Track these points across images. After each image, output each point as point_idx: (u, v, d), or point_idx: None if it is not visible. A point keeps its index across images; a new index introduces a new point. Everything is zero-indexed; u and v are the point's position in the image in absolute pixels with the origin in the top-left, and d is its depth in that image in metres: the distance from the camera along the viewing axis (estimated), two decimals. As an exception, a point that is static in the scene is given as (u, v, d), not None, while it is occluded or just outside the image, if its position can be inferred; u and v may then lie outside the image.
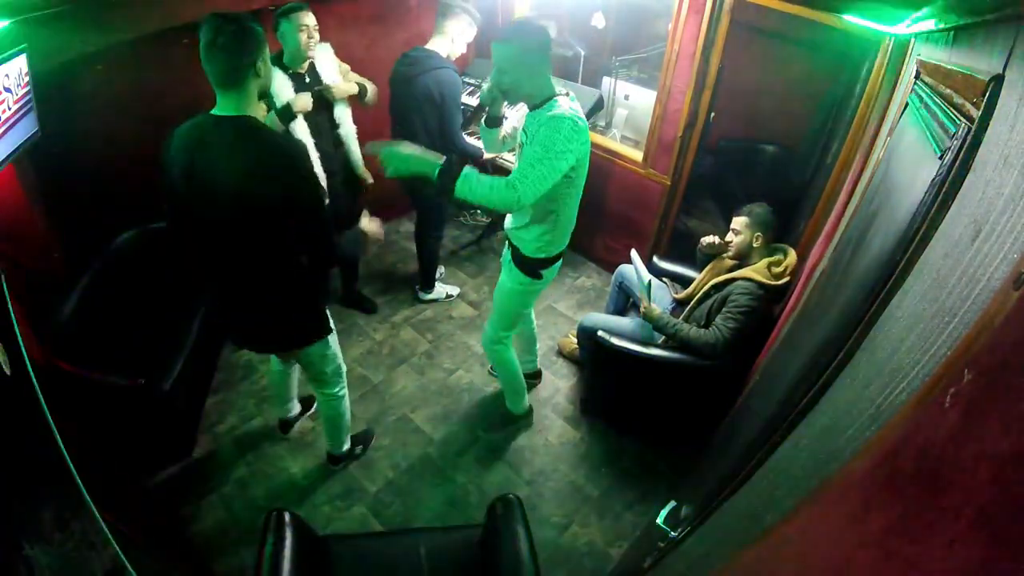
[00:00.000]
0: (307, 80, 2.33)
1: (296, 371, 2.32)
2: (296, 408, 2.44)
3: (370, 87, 2.55)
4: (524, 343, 2.63)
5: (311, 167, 1.50)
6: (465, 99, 2.99)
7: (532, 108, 1.75)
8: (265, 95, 1.48)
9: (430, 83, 2.43)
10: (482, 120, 1.99)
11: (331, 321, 1.87)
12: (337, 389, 2.06)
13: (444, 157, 1.62)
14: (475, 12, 2.53)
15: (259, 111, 1.46)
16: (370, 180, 2.67)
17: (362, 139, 2.59)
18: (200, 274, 1.72)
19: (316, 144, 2.37)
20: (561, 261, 2.09)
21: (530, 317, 2.55)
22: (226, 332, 1.95)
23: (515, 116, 2.01)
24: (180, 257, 1.76)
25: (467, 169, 1.61)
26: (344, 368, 2.06)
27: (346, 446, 2.30)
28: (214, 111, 1.40)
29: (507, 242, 2.08)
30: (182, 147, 1.42)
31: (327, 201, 1.72)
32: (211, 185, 1.41)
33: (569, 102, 1.72)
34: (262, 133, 1.42)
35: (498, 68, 1.67)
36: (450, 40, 2.50)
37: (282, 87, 2.24)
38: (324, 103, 2.38)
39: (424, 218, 3.00)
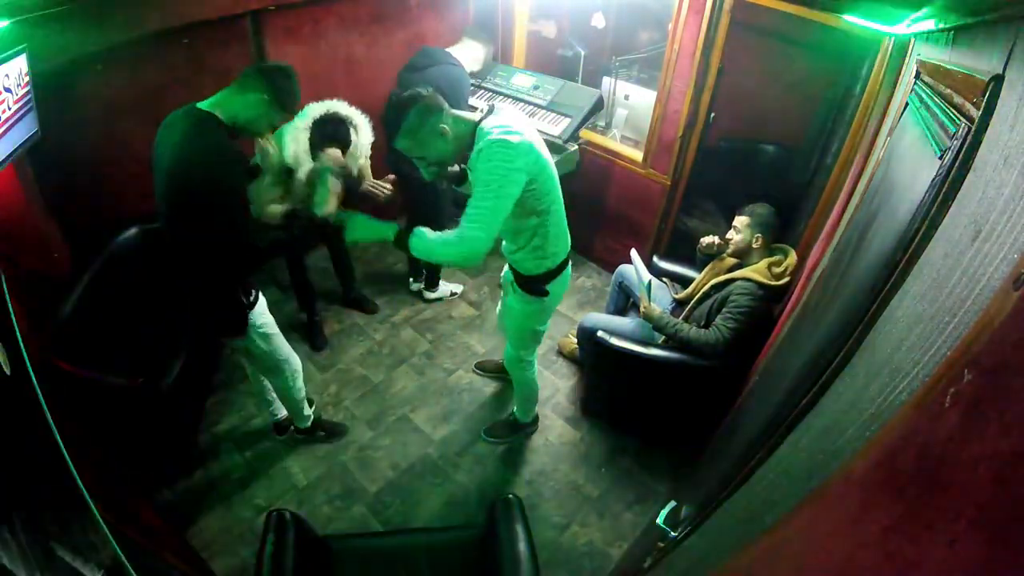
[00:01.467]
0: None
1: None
2: (282, 410, 2.42)
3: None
4: None
5: (233, 171, 1.57)
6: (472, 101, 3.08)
7: (470, 158, 1.63)
8: (251, 130, 1.59)
9: (439, 75, 2.52)
10: (450, 186, 1.97)
11: (256, 323, 1.89)
12: (281, 379, 2.13)
13: (397, 225, 1.63)
14: (493, 50, 2.80)
15: (230, 116, 1.54)
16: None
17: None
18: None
19: None
20: (569, 270, 1.97)
21: None
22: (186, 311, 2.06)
23: None
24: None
25: (417, 231, 1.58)
26: (290, 363, 2.09)
27: (304, 424, 2.37)
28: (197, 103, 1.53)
29: (506, 264, 2.02)
30: (158, 134, 1.56)
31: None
32: (155, 170, 1.53)
33: (494, 121, 1.59)
34: (206, 128, 1.50)
35: (415, 158, 1.67)
36: (467, 51, 2.71)
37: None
38: None
39: (426, 215, 3.01)
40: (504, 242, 1.90)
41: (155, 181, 1.56)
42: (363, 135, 2.25)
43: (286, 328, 2.16)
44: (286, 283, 3.10)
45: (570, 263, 1.97)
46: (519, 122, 1.62)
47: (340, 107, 2.20)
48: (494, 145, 1.53)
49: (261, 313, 1.94)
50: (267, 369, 2.11)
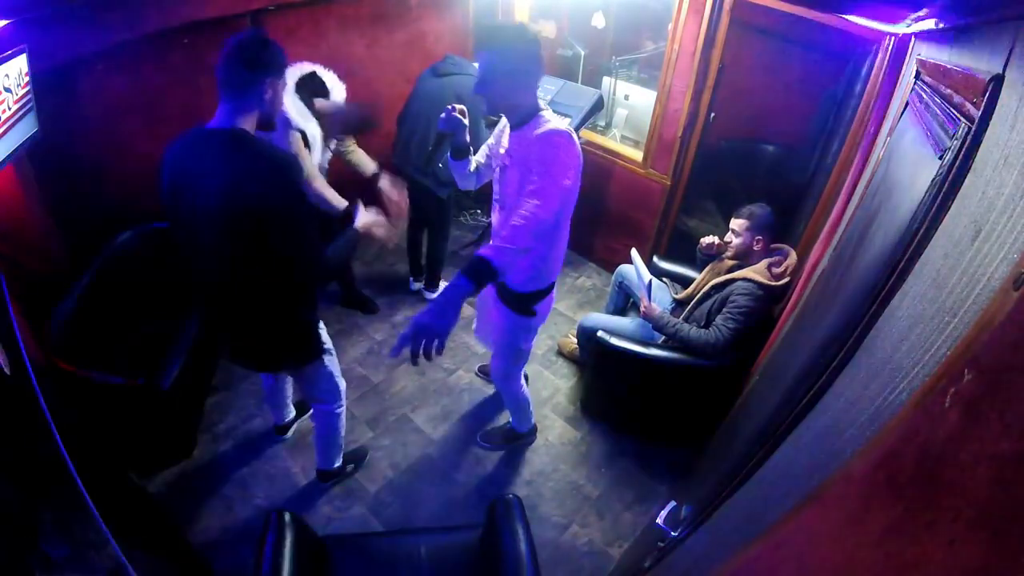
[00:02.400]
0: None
1: (289, 380, 2.30)
2: (291, 413, 2.42)
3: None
4: None
5: (301, 180, 1.45)
6: None
7: (515, 126, 1.59)
8: (268, 124, 1.45)
9: (463, 84, 2.53)
10: (447, 153, 1.80)
11: (324, 342, 1.80)
12: (333, 407, 2.01)
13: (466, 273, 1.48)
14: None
15: (253, 128, 1.42)
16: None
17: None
18: (192, 289, 1.68)
19: None
20: (555, 292, 1.91)
21: None
22: (218, 347, 1.89)
23: (496, 132, 1.81)
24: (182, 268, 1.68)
25: (488, 253, 1.45)
26: (342, 386, 1.99)
27: (337, 463, 2.22)
28: (210, 124, 1.38)
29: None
30: (173, 159, 1.41)
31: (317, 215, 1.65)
32: (198, 200, 1.38)
33: (555, 116, 1.57)
34: (254, 143, 1.37)
35: (481, 77, 1.49)
36: None
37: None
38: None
39: (430, 222, 3.03)
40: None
41: (201, 214, 1.39)
42: (336, 93, 2.32)
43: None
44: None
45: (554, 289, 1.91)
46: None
47: (307, 66, 2.25)
48: (563, 133, 1.48)
49: (322, 329, 1.81)
50: (325, 392, 1.93)
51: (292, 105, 2.11)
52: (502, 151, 1.67)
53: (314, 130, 2.19)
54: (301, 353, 1.75)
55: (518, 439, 2.48)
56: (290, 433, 2.46)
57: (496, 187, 1.74)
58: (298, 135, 2.13)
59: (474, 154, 1.86)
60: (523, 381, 2.26)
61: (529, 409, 2.38)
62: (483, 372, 2.81)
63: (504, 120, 1.69)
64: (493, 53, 1.47)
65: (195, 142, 1.39)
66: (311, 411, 2.46)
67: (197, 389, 2.53)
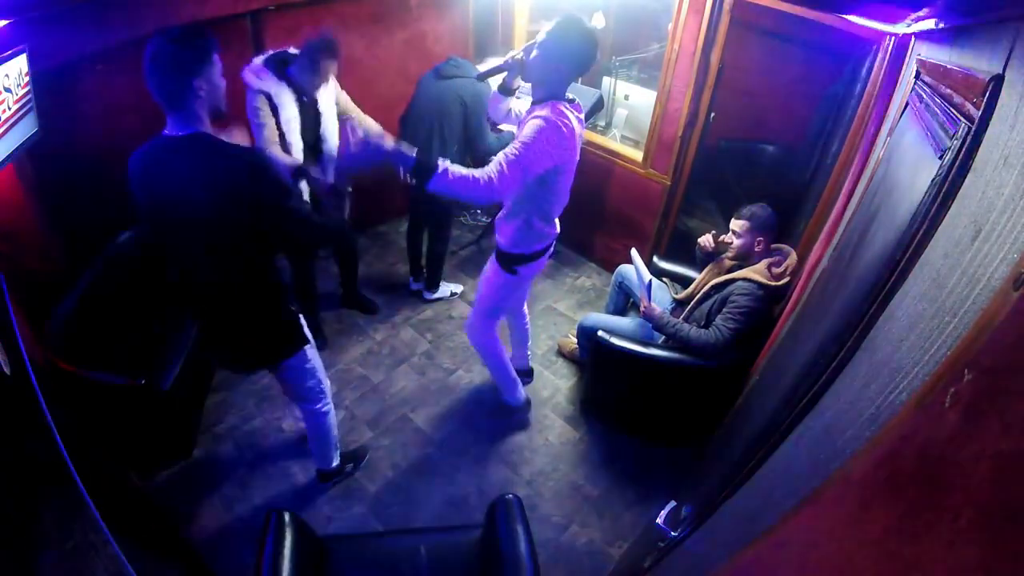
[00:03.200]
0: (306, 99, 2.35)
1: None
2: (290, 425, 2.41)
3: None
4: (515, 339, 2.65)
5: (272, 166, 1.46)
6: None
7: (534, 102, 1.75)
8: (219, 114, 1.44)
9: (465, 87, 2.56)
10: (452, 155, 1.99)
11: (306, 332, 1.83)
12: (319, 405, 2.00)
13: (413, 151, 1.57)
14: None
15: (208, 128, 1.42)
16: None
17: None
18: (176, 295, 1.72)
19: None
20: (544, 260, 2.09)
21: (522, 313, 2.54)
22: (211, 353, 1.91)
23: (518, 105, 1.99)
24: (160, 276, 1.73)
25: (444, 163, 1.57)
26: (327, 384, 2.00)
27: (335, 462, 2.21)
28: (165, 131, 1.38)
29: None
30: (141, 171, 1.42)
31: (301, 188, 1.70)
32: (176, 207, 1.40)
33: (564, 108, 1.70)
34: (219, 147, 1.38)
35: (539, 43, 1.67)
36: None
37: (283, 105, 2.26)
38: (316, 120, 2.41)
39: (431, 221, 3.02)
40: (499, 212, 1.99)
41: (181, 220, 1.42)
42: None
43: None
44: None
45: (551, 249, 2.10)
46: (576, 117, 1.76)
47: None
48: (551, 122, 1.64)
49: (304, 324, 1.83)
50: (307, 390, 1.93)
51: (254, 70, 2.21)
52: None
53: (285, 95, 2.25)
54: (289, 345, 1.78)
55: (512, 414, 2.58)
56: (293, 430, 2.45)
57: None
58: (262, 96, 2.22)
59: (472, 158, 1.99)
60: (496, 336, 2.36)
61: (510, 372, 2.48)
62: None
63: (520, 106, 1.89)
64: (569, 31, 1.63)
65: (161, 152, 1.39)
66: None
67: (197, 389, 2.53)
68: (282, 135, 2.29)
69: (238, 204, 1.38)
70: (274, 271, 1.62)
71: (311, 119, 2.38)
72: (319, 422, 2.05)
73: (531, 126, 1.64)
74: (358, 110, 2.58)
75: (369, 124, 2.57)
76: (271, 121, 2.25)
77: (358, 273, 3.15)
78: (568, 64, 1.67)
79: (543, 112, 1.66)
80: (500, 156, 1.62)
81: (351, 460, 2.33)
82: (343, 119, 2.52)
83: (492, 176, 1.58)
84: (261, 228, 1.44)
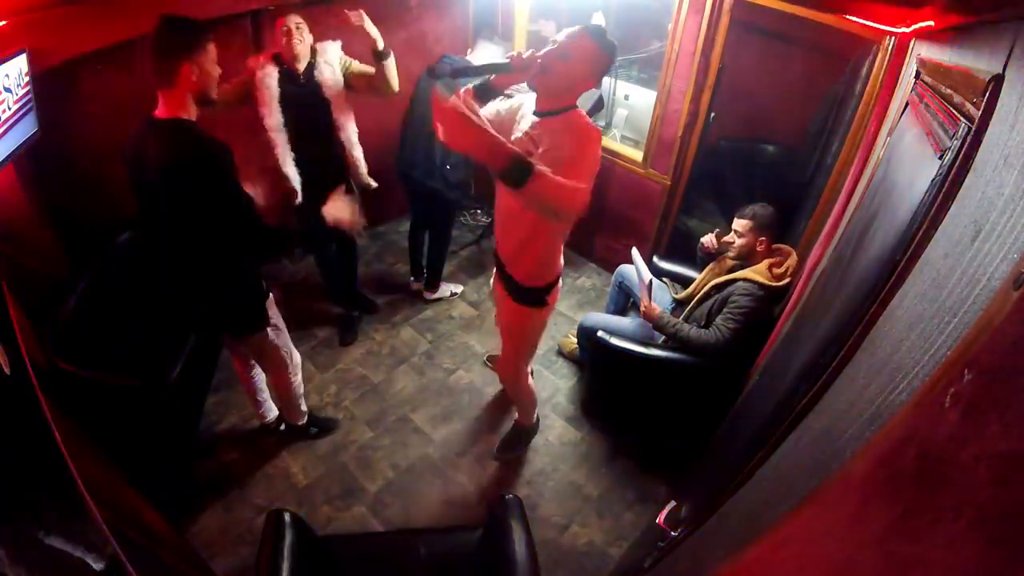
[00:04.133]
0: (301, 80, 2.29)
1: (261, 375, 2.30)
2: (272, 411, 2.42)
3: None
4: None
5: (227, 165, 1.54)
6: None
7: (546, 112, 1.56)
8: (207, 100, 1.56)
9: (462, 84, 2.48)
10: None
11: (272, 318, 1.95)
12: (284, 375, 2.15)
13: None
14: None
15: (192, 112, 1.54)
16: (373, 185, 2.57)
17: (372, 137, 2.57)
18: (159, 262, 1.85)
19: (299, 144, 2.34)
20: (561, 282, 1.91)
21: None
22: (181, 315, 2.07)
23: (503, 106, 1.74)
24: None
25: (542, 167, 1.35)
26: (295, 359, 2.15)
27: (303, 420, 2.39)
28: (156, 112, 1.52)
29: (496, 272, 1.89)
30: (130, 147, 1.58)
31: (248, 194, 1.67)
32: (149, 183, 1.56)
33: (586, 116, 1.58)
34: (186, 136, 1.51)
35: (565, 49, 1.47)
36: (483, 56, 2.73)
37: (264, 79, 2.25)
38: (320, 105, 2.33)
39: (433, 223, 3.02)
40: (507, 243, 1.79)
41: (147, 189, 1.61)
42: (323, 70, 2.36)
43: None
44: (283, 280, 3.11)
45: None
46: None
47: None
48: (598, 134, 1.53)
49: (271, 305, 1.97)
50: (275, 365, 2.11)
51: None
52: (520, 135, 1.62)
53: (269, 69, 2.25)
54: (248, 323, 1.92)
55: (529, 435, 2.48)
56: (278, 430, 2.46)
57: None
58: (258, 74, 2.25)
59: None
60: (531, 377, 2.27)
61: (536, 402, 2.41)
62: (491, 361, 2.82)
63: (522, 106, 1.66)
64: (596, 40, 1.49)
65: (147, 132, 1.54)
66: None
67: (197, 389, 2.53)
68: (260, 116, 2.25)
69: (190, 190, 1.51)
70: (231, 255, 1.73)
71: (310, 103, 2.30)
72: (280, 387, 2.23)
73: (579, 140, 1.48)
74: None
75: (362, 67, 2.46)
76: (260, 99, 2.24)
77: (357, 273, 3.15)
78: (597, 77, 1.55)
79: (581, 121, 1.52)
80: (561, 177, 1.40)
81: (318, 425, 2.47)
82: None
83: (569, 188, 1.38)
84: (211, 214, 1.57)
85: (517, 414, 2.47)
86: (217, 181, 1.52)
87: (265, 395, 2.37)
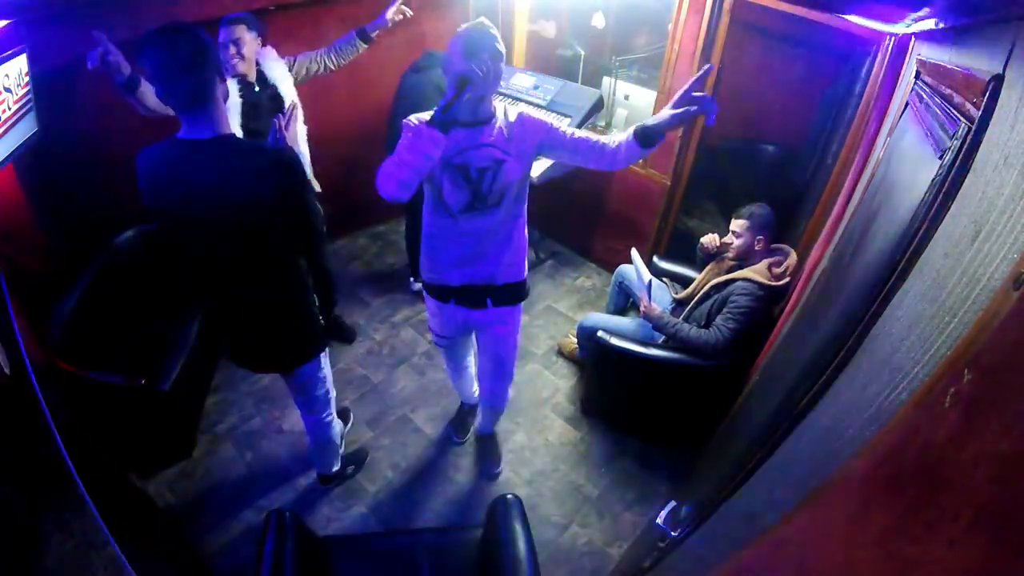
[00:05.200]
0: (256, 88, 2.26)
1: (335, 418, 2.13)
2: (338, 462, 2.26)
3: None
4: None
5: (305, 173, 1.46)
6: None
7: (485, 122, 1.53)
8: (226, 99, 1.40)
9: (443, 77, 2.49)
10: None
11: (325, 340, 1.79)
12: (325, 415, 1.97)
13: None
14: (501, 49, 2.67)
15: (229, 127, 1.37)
16: (317, 188, 2.51)
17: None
18: (196, 294, 1.68)
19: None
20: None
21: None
22: (224, 349, 1.85)
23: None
24: (176, 274, 1.68)
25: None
26: (333, 394, 1.97)
27: (336, 467, 2.21)
28: (181, 134, 1.30)
29: (487, 296, 1.75)
30: (156, 173, 1.33)
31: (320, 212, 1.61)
32: (203, 208, 1.34)
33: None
34: (244, 147, 1.36)
35: (485, 82, 1.42)
36: None
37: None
38: (276, 106, 2.30)
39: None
40: (499, 250, 1.69)
41: (217, 222, 1.37)
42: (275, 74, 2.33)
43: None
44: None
45: None
46: None
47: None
48: (523, 113, 1.58)
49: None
50: (315, 400, 1.89)
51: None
52: (465, 156, 1.55)
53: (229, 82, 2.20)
54: (308, 349, 1.74)
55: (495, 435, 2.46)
56: (293, 431, 2.44)
57: (469, 194, 1.57)
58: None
59: None
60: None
61: None
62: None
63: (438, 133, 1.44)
64: (490, 54, 1.45)
65: (182, 155, 1.31)
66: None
67: (197, 389, 2.53)
68: None
69: (269, 203, 1.34)
70: (299, 271, 1.58)
71: (270, 107, 2.25)
72: (323, 433, 2.02)
73: (532, 122, 1.55)
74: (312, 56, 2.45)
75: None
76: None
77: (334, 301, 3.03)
78: (497, 65, 1.51)
79: (513, 112, 1.58)
80: (588, 135, 1.53)
81: (352, 463, 2.32)
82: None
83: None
84: (288, 225, 1.42)
85: (493, 425, 2.42)
86: (302, 181, 1.41)
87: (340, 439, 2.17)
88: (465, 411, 2.53)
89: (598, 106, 3.10)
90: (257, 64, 2.28)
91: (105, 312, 2.22)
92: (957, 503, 0.36)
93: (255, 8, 2.54)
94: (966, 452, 0.37)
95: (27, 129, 1.86)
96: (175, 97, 1.24)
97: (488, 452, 2.41)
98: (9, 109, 1.73)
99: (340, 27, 2.96)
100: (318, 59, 2.46)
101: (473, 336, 2.11)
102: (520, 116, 1.57)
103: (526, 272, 1.80)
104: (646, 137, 1.44)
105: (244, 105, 2.21)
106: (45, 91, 1.89)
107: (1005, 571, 0.31)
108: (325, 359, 1.84)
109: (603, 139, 1.52)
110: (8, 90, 1.72)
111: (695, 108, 1.39)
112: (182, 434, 2.36)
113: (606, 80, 3.38)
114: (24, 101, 1.81)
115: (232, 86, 2.18)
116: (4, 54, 1.66)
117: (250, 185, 1.32)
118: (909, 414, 0.49)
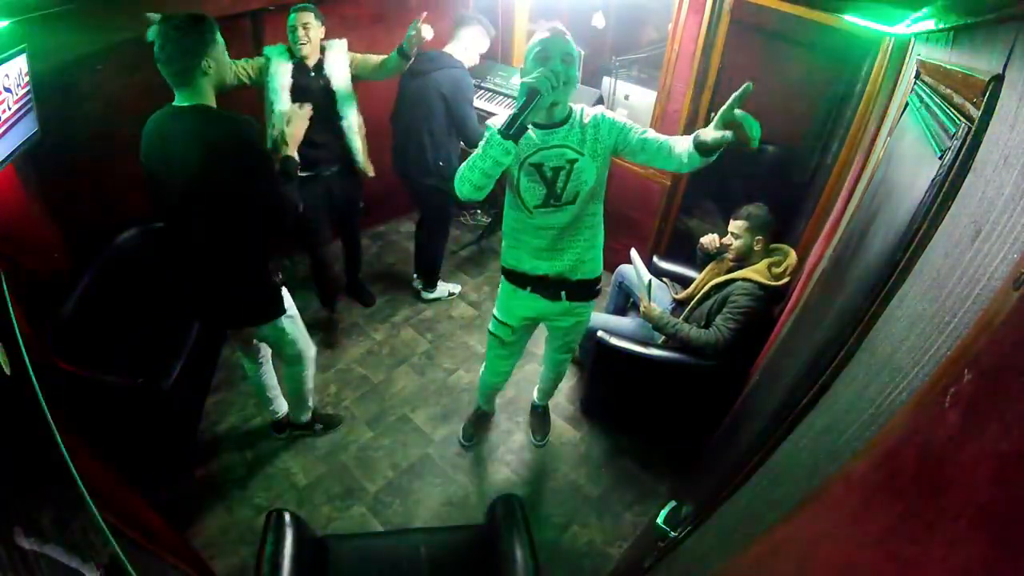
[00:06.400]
0: (311, 73, 2.38)
1: (271, 371, 2.31)
2: (283, 407, 2.41)
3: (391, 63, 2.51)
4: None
5: (257, 137, 1.59)
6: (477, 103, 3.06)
7: (563, 121, 1.59)
8: (222, 88, 1.60)
9: (443, 80, 2.50)
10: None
11: (288, 306, 1.94)
12: (299, 368, 2.17)
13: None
14: (490, 26, 2.65)
15: (212, 101, 1.57)
16: (371, 173, 2.67)
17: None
18: (174, 256, 1.83)
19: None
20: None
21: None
22: (193, 309, 2.04)
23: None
24: (170, 246, 1.86)
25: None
26: (309, 351, 2.15)
27: (305, 417, 2.40)
28: (174, 102, 1.54)
29: (562, 289, 1.80)
30: (149, 137, 1.56)
31: (278, 167, 1.73)
32: (176, 169, 1.54)
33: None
34: (214, 116, 1.55)
35: (566, 58, 1.50)
36: (463, 47, 2.59)
37: (277, 72, 2.31)
38: (326, 94, 2.40)
39: (432, 217, 3.02)
40: (575, 246, 1.77)
41: (179, 182, 1.57)
42: (334, 67, 2.43)
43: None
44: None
45: None
46: None
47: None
48: (596, 108, 1.64)
49: (286, 294, 1.96)
50: (290, 357, 2.11)
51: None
52: (539, 154, 1.59)
53: (281, 62, 2.33)
54: (266, 312, 1.90)
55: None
56: (285, 433, 2.45)
57: (544, 191, 1.63)
58: (266, 60, 2.34)
59: (470, 147, 1.88)
60: None
61: None
62: (471, 435, 2.50)
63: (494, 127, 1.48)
64: (562, 58, 1.51)
65: (167, 120, 1.54)
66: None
67: (197, 389, 2.53)
68: (271, 103, 2.31)
69: (226, 166, 1.53)
70: (257, 239, 1.74)
71: (319, 94, 2.36)
72: (295, 385, 2.24)
73: (611, 121, 1.61)
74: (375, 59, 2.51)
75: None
76: (269, 85, 2.30)
77: (360, 262, 3.16)
78: (575, 69, 1.58)
79: (591, 110, 1.63)
80: (652, 133, 1.60)
81: (323, 423, 2.48)
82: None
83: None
84: (245, 191, 1.58)
85: (549, 398, 2.51)
86: (256, 154, 1.58)
87: (276, 391, 2.37)
88: (480, 417, 2.53)
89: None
90: (322, 51, 2.39)
91: (105, 312, 2.22)
92: (957, 503, 0.36)
93: (255, 8, 2.54)
94: (966, 452, 0.37)
95: (27, 129, 1.86)
96: (167, 75, 1.50)
97: (545, 423, 2.54)
98: (9, 109, 1.73)
99: (340, 27, 2.95)
100: (367, 67, 2.52)
101: (526, 340, 2.14)
102: (595, 118, 1.61)
103: (601, 269, 1.88)
104: (702, 148, 1.46)
105: (294, 87, 2.33)
106: (45, 91, 1.89)
107: (1005, 571, 0.31)
108: (290, 323, 1.99)
109: (672, 140, 1.54)
110: (8, 90, 1.72)
111: (731, 135, 1.39)
112: (182, 434, 2.36)
113: (606, 80, 3.38)
114: (24, 101, 1.81)
115: (286, 68, 2.32)
116: (4, 54, 1.66)
117: (207, 145, 1.52)
118: (909, 414, 0.49)
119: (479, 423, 2.52)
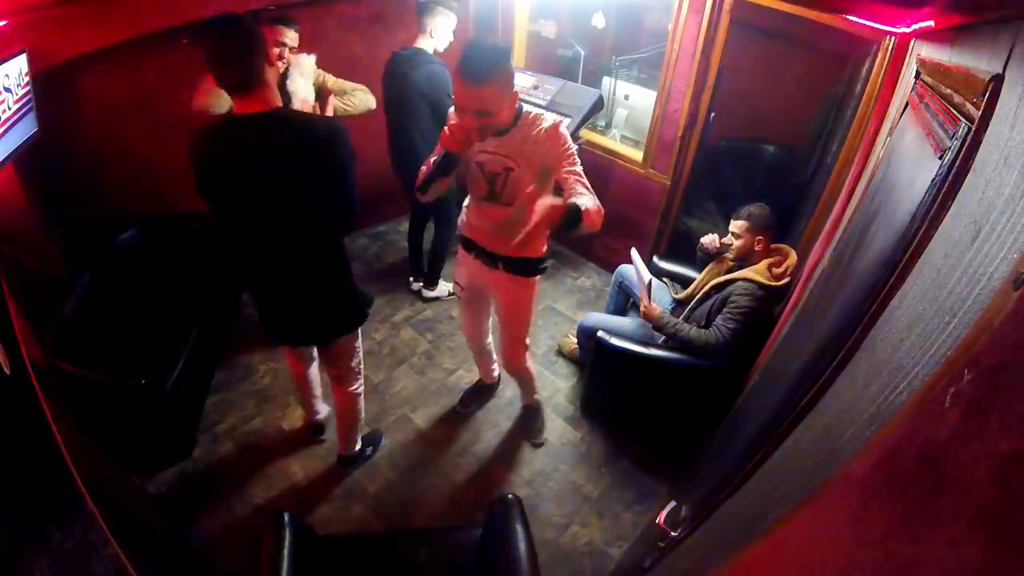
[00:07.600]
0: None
1: (318, 375, 2.28)
2: (324, 409, 2.40)
3: (357, 100, 2.55)
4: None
5: (352, 148, 1.50)
6: None
7: (504, 131, 1.61)
8: (284, 90, 1.53)
9: (420, 79, 2.51)
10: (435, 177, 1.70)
11: (364, 312, 1.90)
12: (356, 386, 2.09)
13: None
14: (451, 2, 2.62)
15: (279, 101, 1.46)
16: None
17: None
18: (244, 275, 1.72)
19: None
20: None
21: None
22: (271, 330, 1.89)
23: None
24: (228, 258, 1.77)
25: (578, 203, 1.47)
26: (363, 367, 2.09)
27: (358, 446, 2.30)
28: (240, 111, 1.40)
29: (498, 262, 1.88)
30: (219, 151, 1.42)
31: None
32: (256, 179, 1.42)
33: (532, 107, 1.67)
34: (302, 120, 1.47)
35: (480, 113, 1.46)
36: (430, 36, 2.59)
37: None
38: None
39: (434, 213, 3.02)
40: (508, 240, 1.79)
41: (270, 194, 1.45)
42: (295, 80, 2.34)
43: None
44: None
45: None
46: None
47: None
48: (555, 122, 1.62)
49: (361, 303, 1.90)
50: (349, 370, 2.00)
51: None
52: (485, 156, 1.67)
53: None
54: (348, 320, 1.83)
55: (541, 409, 2.58)
56: (294, 431, 2.45)
57: (486, 188, 1.73)
58: None
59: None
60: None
61: (535, 379, 2.46)
62: (468, 401, 2.63)
63: None
64: (501, 77, 1.46)
65: (237, 129, 1.41)
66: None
67: (197, 389, 2.53)
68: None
69: (318, 171, 1.43)
70: (341, 245, 1.70)
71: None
72: (352, 405, 2.13)
73: (556, 141, 1.59)
74: (348, 86, 2.52)
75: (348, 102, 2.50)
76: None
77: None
78: (512, 83, 1.53)
79: (546, 123, 1.60)
80: (581, 181, 1.59)
81: (369, 444, 2.39)
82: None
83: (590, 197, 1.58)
84: (333, 195, 1.50)
85: (524, 397, 2.53)
86: (351, 152, 1.48)
87: (319, 391, 2.34)
88: (477, 385, 2.65)
89: (598, 106, 3.10)
90: (286, 68, 2.30)
91: (105, 312, 2.22)
92: (957, 503, 0.36)
93: (255, 8, 2.54)
94: (966, 452, 0.37)
95: (27, 129, 1.86)
96: (224, 82, 1.36)
97: (527, 421, 2.56)
98: (9, 109, 1.73)
99: (340, 27, 2.96)
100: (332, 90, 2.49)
101: (492, 306, 2.19)
102: (547, 130, 1.60)
103: (542, 252, 1.90)
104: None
105: None
106: (45, 91, 1.89)
107: (1005, 571, 0.31)
108: (359, 331, 1.93)
109: (576, 192, 1.56)
110: (8, 90, 1.72)
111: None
112: (182, 434, 2.36)
113: (606, 80, 3.38)
114: (24, 101, 1.81)
115: None
116: (4, 54, 1.66)
117: (298, 150, 1.40)
118: (909, 414, 0.49)
119: (473, 391, 2.62)
